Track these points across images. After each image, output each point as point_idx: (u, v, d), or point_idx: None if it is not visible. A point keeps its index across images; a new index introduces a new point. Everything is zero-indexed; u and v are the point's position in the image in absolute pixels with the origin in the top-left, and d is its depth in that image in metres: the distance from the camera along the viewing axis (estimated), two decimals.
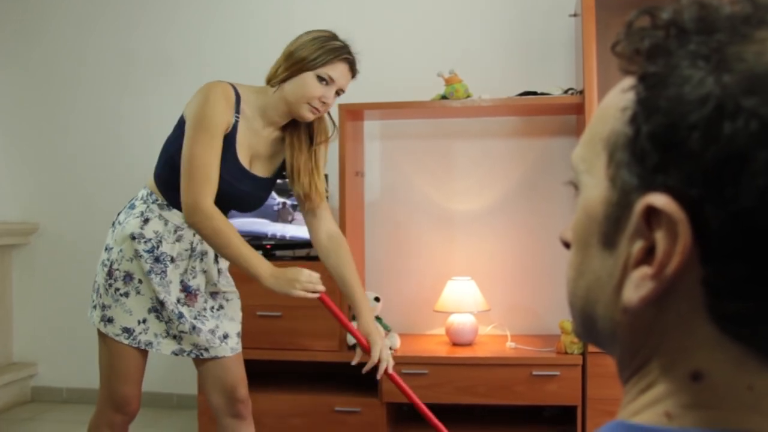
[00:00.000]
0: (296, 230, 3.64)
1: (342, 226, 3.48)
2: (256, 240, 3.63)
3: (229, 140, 2.21)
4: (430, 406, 3.58)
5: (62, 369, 4.39)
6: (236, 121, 2.22)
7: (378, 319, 3.52)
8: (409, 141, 3.98)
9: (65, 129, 4.40)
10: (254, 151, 2.31)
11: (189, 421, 3.88)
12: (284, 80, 2.24)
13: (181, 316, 2.27)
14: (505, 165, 3.90)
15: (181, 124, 2.25)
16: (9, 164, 4.47)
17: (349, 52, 2.29)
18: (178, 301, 2.29)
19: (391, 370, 2.34)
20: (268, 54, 4.07)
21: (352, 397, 3.42)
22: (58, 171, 4.41)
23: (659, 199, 0.48)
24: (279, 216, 3.61)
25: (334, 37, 2.28)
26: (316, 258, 3.60)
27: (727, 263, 0.47)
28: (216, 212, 2.12)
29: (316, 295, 2.21)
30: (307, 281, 2.16)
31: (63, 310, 4.38)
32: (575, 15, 3.58)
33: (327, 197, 2.43)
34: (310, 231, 2.44)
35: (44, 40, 4.43)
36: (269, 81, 2.29)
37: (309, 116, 2.27)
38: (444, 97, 3.53)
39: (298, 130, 2.35)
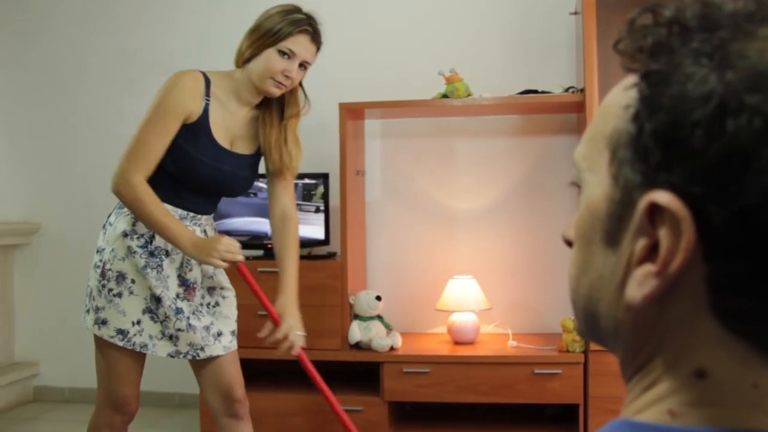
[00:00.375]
0: (306, 231, 3.63)
1: (343, 225, 3.48)
2: (256, 239, 3.63)
3: (202, 124, 2.24)
4: (432, 405, 3.60)
5: (64, 368, 4.39)
6: (206, 105, 2.25)
7: (379, 318, 3.52)
8: (410, 140, 3.98)
9: (67, 129, 4.40)
10: (233, 133, 2.34)
11: (190, 420, 3.88)
12: (249, 59, 2.27)
13: (179, 311, 2.26)
14: (506, 163, 3.90)
15: None
16: (10, 164, 4.47)
17: (310, 24, 2.29)
18: (177, 296, 2.29)
19: (296, 351, 2.32)
20: None
21: (353, 395, 3.42)
22: (59, 171, 4.41)
23: (662, 197, 0.48)
24: None
25: (295, 9, 2.29)
26: (317, 257, 3.62)
27: (731, 260, 0.47)
28: (141, 185, 2.15)
29: (235, 264, 2.22)
30: (225, 250, 2.16)
31: (65, 310, 4.38)
32: (576, 13, 3.58)
33: (296, 173, 2.45)
34: (269, 205, 2.47)
35: (46, 41, 4.43)
36: (237, 62, 2.32)
37: (275, 91, 2.29)
38: (445, 96, 3.53)
39: (270, 107, 2.38)
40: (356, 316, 3.51)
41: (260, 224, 3.58)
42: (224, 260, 2.17)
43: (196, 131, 2.23)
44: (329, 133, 3.67)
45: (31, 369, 4.40)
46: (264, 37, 2.24)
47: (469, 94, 3.51)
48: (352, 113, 3.60)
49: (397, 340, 3.50)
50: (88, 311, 2.31)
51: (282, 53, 2.24)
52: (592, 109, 3.21)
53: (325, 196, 3.67)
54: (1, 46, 4.48)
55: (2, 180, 4.44)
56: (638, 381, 0.55)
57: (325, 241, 3.67)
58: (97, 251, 2.34)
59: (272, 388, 3.54)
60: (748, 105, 0.46)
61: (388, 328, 3.55)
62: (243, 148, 2.37)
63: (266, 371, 3.61)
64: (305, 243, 3.64)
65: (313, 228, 3.65)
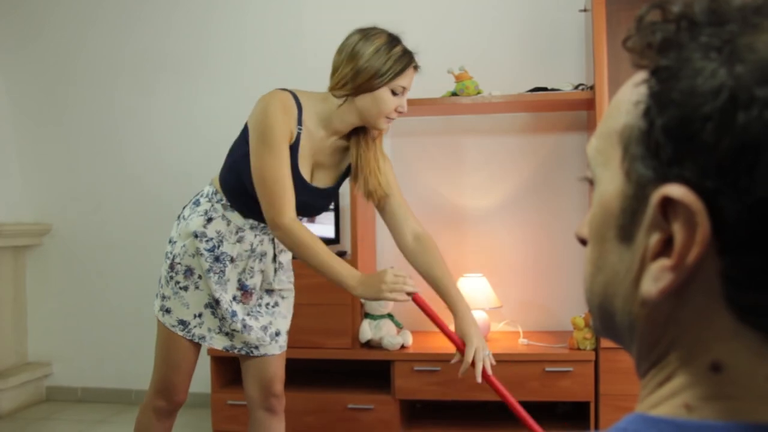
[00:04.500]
0: (317, 229, 3.65)
1: (353, 223, 3.48)
2: None
3: (292, 152, 2.18)
4: (443, 403, 3.61)
5: (77, 368, 4.42)
6: (299, 134, 2.19)
7: (390, 316, 3.52)
8: (419, 138, 3.98)
9: (76, 130, 4.42)
10: (316, 161, 2.29)
11: (202, 419, 3.89)
12: (353, 95, 2.18)
13: (234, 314, 2.31)
14: (516, 161, 3.89)
15: (245, 131, 2.23)
16: (22, 166, 4.49)
17: (412, 56, 2.23)
18: (234, 298, 2.33)
19: (489, 371, 2.24)
20: (270, 53, 4.12)
21: (365, 394, 3.42)
22: (70, 172, 4.43)
23: (676, 190, 0.48)
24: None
25: (393, 40, 2.21)
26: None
27: (745, 254, 0.47)
28: (297, 225, 2.12)
29: (408, 298, 2.16)
30: (392, 282, 2.11)
31: (76, 310, 4.41)
32: (585, 10, 3.57)
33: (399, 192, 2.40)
34: (393, 234, 2.40)
35: (55, 42, 4.45)
36: (332, 90, 2.22)
37: (386, 128, 2.27)
38: (454, 94, 3.53)
39: (362, 130, 2.31)
40: (367, 315, 3.51)
41: None
42: (394, 293, 2.12)
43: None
44: None
45: (43, 369, 4.42)
46: (373, 78, 2.15)
47: (479, 92, 3.51)
48: None
49: (408, 339, 3.50)
50: (156, 296, 2.37)
51: (394, 93, 2.19)
52: (602, 106, 3.20)
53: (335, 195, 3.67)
54: (14, 50, 4.50)
55: (13, 181, 4.46)
56: (653, 376, 0.55)
57: (336, 240, 3.67)
58: (170, 241, 2.36)
59: (285, 386, 3.53)
60: (758, 97, 0.46)
61: (399, 326, 3.55)
62: (323, 180, 2.33)
63: None
64: (326, 242, 3.65)
65: (323, 227, 3.66)
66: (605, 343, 3.18)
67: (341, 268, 2.13)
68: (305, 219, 2.60)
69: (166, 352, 2.35)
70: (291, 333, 3.47)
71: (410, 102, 3.59)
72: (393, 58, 2.16)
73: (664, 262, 0.50)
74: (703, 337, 0.51)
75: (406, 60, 2.19)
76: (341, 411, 3.43)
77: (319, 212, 2.50)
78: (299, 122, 2.19)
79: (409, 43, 2.27)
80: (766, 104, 0.46)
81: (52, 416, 4.14)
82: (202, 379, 3.95)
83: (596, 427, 3.23)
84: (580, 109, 3.75)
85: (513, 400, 2.26)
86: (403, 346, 3.45)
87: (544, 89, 3.53)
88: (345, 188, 3.61)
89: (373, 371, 3.56)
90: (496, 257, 3.87)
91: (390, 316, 3.53)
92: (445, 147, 3.96)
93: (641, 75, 0.54)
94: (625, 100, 0.55)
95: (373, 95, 2.16)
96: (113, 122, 4.36)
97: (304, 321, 3.46)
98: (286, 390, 3.48)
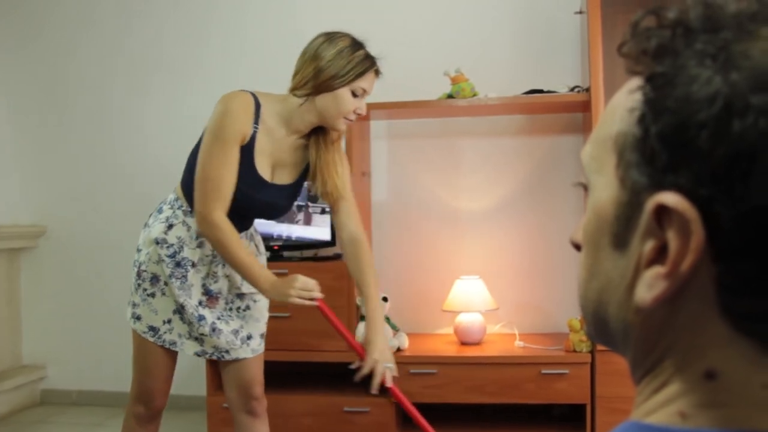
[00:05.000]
0: (303, 231, 3.65)
1: None
2: (263, 241, 3.62)
3: (247, 151, 2.23)
4: (439, 406, 3.60)
5: (72, 371, 4.41)
6: (254, 133, 2.23)
7: (386, 318, 3.52)
8: (415, 140, 3.98)
9: (72, 132, 4.41)
10: (276, 159, 2.33)
11: (197, 422, 3.88)
12: (314, 94, 2.24)
13: (201, 318, 2.33)
14: (511, 163, 3.89)
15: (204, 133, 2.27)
16: (17, 168, 4.48)
17: (375, 60, 2.29)
18: (200, 303, 2.34)
19: (389, 383, 2.30)
20: (267, 54, 4.12)
21: (361, 397, 3.41)
22: (65, 174, 4.43)
23: (670, 198, 0.48)
24: (285, 217, 3.61)
25: (355, 44, 2.26)
26: (323, 259, 3.62)
27: (739, 261, 0.47)
28: (223, 223, 2.16)
29: (314, 303, 2.22)
30: (301, 288, 2.17)
31: (72, 312, 4.40)
32: (581, 12, 3.58)
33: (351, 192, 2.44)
34: (336, 231, 2.49)
35: (51, 43, 4.44)
36: (293, 90, 2.28)
37: (344, 128, 2.32)
38: (450, 96, 3.53)
39: (321, 131, 2.36)
40: (363, 318, 3.50)
41: (267, 225, 3.57)
42: (301, 298, 2.17)
43: (239, 158, 2.22)
44: None
45: (38, 372, 4.41)
46: (334, 79, 2.21)
47: (475, 95, 3.51)
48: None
49: (404, 341, 3.50)
50: (128, 303, 2.40)
51: (354, 94, 2.24)
52: (597, 109, 3.21)
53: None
54: (10, 51, 4.49)
55: (9, 183, 4.45)
56: (648, 383, 0.55)
57: (332, 243, 3.67)
58: (137, 250, 2.40)
59: (281, 388, 3.54)
60: (753, 105, 0.46)
61: (395, 328, 3.55)
62: (284, 177, 2.37)
63: (275, 372, 3.60)
64: (311, 244, 3.65)
65: (319, 229, 3.66)
66: (601, 345, 3.18)
67: (258, 270, 2.19)
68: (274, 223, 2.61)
69: (141, 359, 2.39)
70: (287, 336, 3.48)
71: (406, 104, 3.62)
72: (355, 60, 2.23)
73: (658, 270, 0.50)
74: (698, 344, 0.51)
75: (368, 63, 2.25)
76: (337, 414, 3.42)
77: (281, 213, 2.50)
78: (256, 121, 2.23)
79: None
80: (761, 112, 0.45)
81: (46, 419, 4.13)
82: (197, 382, 3.95)
83: (592, 429, 3.23)
84: (575, 112, 3.75)
85: (414, 411, 2.35)
86: (399, 349, 3.44)
87: (540, 91, 3.53)
88: None
89: (369, 374, 3.54)
90: (492, 259, 3.88)
91: (386, 318, 3.52)
92: (441, 149, 3.96)
93: (636, 81, 0.54)
94: (620, 107, 0.55)
95: (333, 95, 2.22)
96: (109, 123, 4.36)
97: (300, 324, 3.46)
98: (283, 393, 3.49)
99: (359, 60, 2.23)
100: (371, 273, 2.37)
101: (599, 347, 3.20)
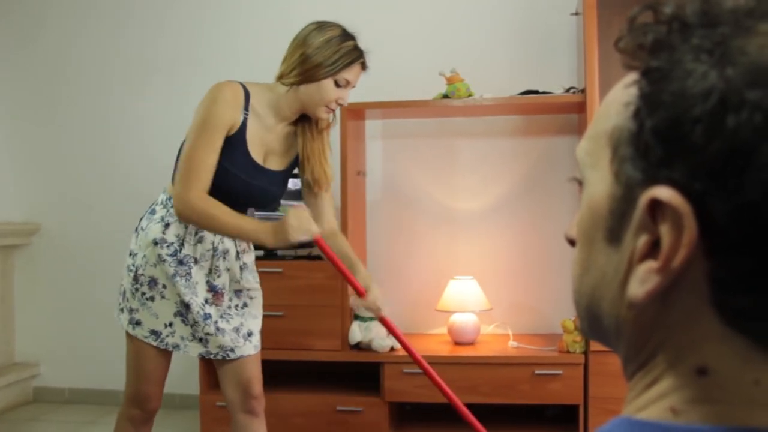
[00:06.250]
0: None
1: (344, 225, 3.47)
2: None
3: (239, 138, 2.25)
4: (433, 406, 3.60)
5: (64, 369, 4.40)
6: (245, 119, 2.26)
7: None
8: (410, 140, 3.98)
9: (67, 130, 4.40)
10: (268, 147, 2.36)
11: (191, 421, 3.88)
12: (299, 82, 2.28)
13: (207, 317, 2.31)
14: (506, 164, 3.90)
15: None
16: (11, 165, 4.47)
17: (362, 53, 2.32)
18: (206, 301, 2.34)
19: (385, 315, 2.42)
20: (265, 53, 4.09)
21: (354, 396, 3.42)
22: (59, 172, 4.42)
23: (664, 192, 0.48)
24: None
25: (345, 35, 2.30)
26: (317, 258, 3.61)
27: (733, 257, 0.47)
28: (201, 200, 2.15)
29: (312, 236, 2.22)
30: (297, 224, 2.17)
31: (65, 310, 4.38)
32: (577, 13, 3.58)
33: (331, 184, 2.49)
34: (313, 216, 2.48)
35: (46, 42, 4.43)
36: (280, 78, 2.32)
37: (326, 117, 2.35)
38: (445, 96, 3.53)
39: (309, 119, 2.40)
40: (356, 317, 3.51)
41: None
42: (300, 232, 2.17)
43: (232, 145, 2.24)
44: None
45: (31, 369, 4.40)
46: (319, 67, 2.25)
47: (470, 95, 3.51)
48: (353, 114, 3.59)
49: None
50: (122, 310, 2.36)
51: (338, 84, 2.28)
52: (593, 110, 3.21)
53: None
54: (3, 48, 4.48)
55: (3, 180, 4.44)
56: (640, 379, 0.54)
57: None
58: (130, 254, 2.37)
59: (274, 387, 3.53)
60: (748, 101, 0.46)
61: None
62: (276, 164, 2.39)
63: (268, 371, 3.59)
64: (306, 243, 3.64)
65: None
66: (595, 346, 3.19)
67: (252, 225, 2.18)
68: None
69: (137, 364, 2.37)
70: (280, 335, 3.48)
71: (401, 104, 3.62)
72: (343, 50, 2.26)
73: (650, 264, 0.50)
74: (690, 340, 0.51)
75: (355, 55, 2.29)
76: (330, 413, 3.42)
77: (274, 200, 2.49)
78: (246, 108, 2.25)
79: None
80: (756, 107, 0.45)
81: (39, 417, 4.12)
82: (190, 380, 3.94)
83: (585, 430, 3.24)
84: (571, 113, 3.76)
85: (407, 342, 2.52)
86: (392, 348, 3.44)
87: (536, 92, 3.54)
88: (336, 190, 3.61)
89: (362, 373, 3.55)
90: (486, 260, 3.88)
91: None
92: (437, 149, 3.96)
93: (632, 76, 0.53)
94: (616, 102, 0.55)
95: (317, 84, 2.26)
96: (104, 122, 4.35)
97: (293, 323, 3.46)
98: (276, 392, 3.48)
99: (346, 51, 2.27)
100: (350, 248, 2.45)
101: (593, 348, 3.20)
